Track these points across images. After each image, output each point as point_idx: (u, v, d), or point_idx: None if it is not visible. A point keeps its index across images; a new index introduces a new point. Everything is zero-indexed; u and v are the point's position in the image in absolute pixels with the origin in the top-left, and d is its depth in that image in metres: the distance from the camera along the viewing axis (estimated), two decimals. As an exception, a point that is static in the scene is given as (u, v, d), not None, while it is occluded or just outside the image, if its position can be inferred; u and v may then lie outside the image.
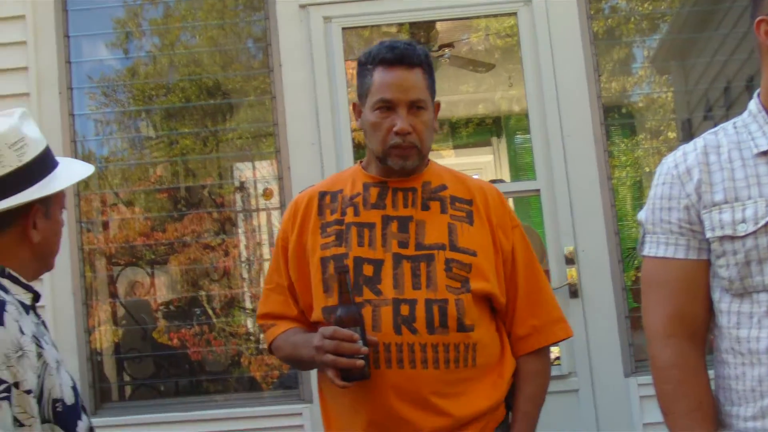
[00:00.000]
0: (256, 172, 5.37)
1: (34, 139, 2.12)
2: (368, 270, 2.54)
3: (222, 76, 5.42)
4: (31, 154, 2.08)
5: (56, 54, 4.71)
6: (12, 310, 1.94)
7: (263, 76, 5.02)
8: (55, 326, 4.48)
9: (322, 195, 2.70)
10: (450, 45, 7.63)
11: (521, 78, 4.81)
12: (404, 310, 2.48)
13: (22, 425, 1.87)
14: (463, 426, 2.51)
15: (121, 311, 5.21)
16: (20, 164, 2.06)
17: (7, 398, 1.84)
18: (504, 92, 8.69)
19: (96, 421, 4.29)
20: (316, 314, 2.61)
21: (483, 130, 9.76)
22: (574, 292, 4.48)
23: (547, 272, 4.71)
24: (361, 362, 2.35)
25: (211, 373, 4.97)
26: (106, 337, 5.05)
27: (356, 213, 2.61)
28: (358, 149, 7.68)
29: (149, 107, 5.48)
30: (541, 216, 4.73)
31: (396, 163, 2.56)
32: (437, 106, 2.69)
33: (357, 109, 2.68)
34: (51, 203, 2.14)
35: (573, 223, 4.51)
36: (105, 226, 5.21)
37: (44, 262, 2.18)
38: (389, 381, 2.46)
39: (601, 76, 4.73)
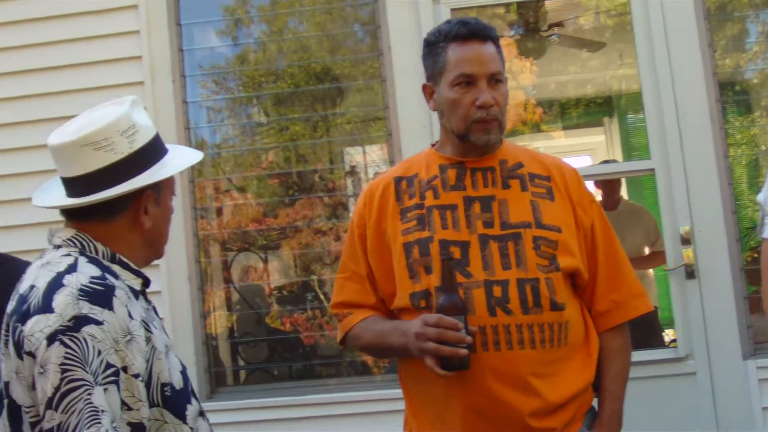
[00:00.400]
0: (367, 156, 5.37)
1: (145, 126, 2.13)
2: (456, 252, 2.49)
3: (331, 60, 5.42)
4: (141, 141, 2.10)
5: (169, 42, 4.78)
6: (121, 295, 1.96)
7: (372, 60, 5.01)
8: (172, 312, 4.58)
9: (398, 180, 2.65)
10: (559, 24, 7.51)
11: (633, 56, 4.71)
12: (497, 291, 2.44)
13: (130, 408, 1.89)
14: (559, 408, 2.47)
15: (235, 296, 5.27)
16: (131, 151, 2.07)
17: (116, 382, 1.86)
18: (615, 71, 8.53)
19: (211, 405, 4.42)
20: (402, 301, 2.56)
21: (594, 110, 9.60)
22: (690, 272, 4.38)
23: (662, 253, 4.62)
24: (464, 351, 2.31)
25: (323, 357, 5.00)
26: (220, 322, 5.12)
27: (436, 196, 2.57)
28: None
29: (259, 93, 5.53)
30: (655, 196, 4.64)
31: (479, 138, 2.51)
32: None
33: (428, 91, 2.64)
34: (162, 189, 2.16)
35: (689, 202, 4.42)
36: (218, 212, 5.28)
37: (155, 248, 2.20)
38: (487, 364, 2.41)
39: (716, 53, 4.59)
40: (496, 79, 2.50)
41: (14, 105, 4.78)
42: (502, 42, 7.56)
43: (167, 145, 2.22)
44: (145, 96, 4.66)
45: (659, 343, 6.44)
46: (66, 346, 1.83)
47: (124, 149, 2.06)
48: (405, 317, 2.56)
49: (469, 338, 2.31)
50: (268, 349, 5.17)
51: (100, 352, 1.85)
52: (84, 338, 1.84)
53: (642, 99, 4.59)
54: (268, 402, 4.53)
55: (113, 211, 2.08)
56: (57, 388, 1.81)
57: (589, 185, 6.61)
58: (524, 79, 8.41)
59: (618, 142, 9.40)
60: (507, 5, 6.32)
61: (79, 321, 1.86)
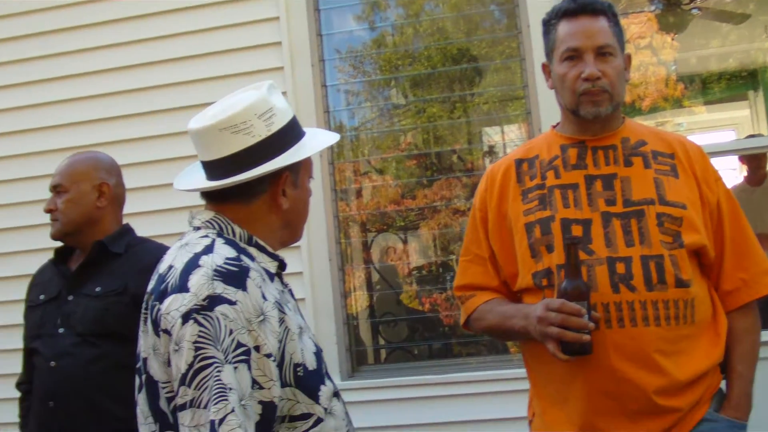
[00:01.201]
0: (505, 136, 5.35)
1: (282, 109, 2.16)
2: (577, 230, 2.48)
3: (467, 41, 5.41)
4: (279, 123, 2.13)
5: (307, 28, 4.85)
6: (255, 276, 1.99)
7: (509, 39, 4.98)
8: (313, 292, 4.65)
9: (519, 162, 2.66)
10: (702, -4, 7.34)
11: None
12: (620, 268, 2.42)
13: (261, 387, 1.92)
14: (685, 387, 2.44)
15: (375, 276, 5.33)
16: (269, 133, 2.11)
17: (246, 361, 1.89)
18: (760, 43, 8.27)
19: (352, 383, 4.50)
20: (524, 281, 2.56)
21: (737, 84, 9.31)
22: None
23: None
24: (587, 337, 2.30)
25: (463, 337, 5.02)
26: (360, 301, 5.19)
27: (557, 175, 2.56)
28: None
29: (396, 76, 5.56)
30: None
31: (588, 111, 2.50)
32: (628, 59, 2.62)
33: (546, 70, 2.65)
34: (299, 171, 2.19)
35: (839, 180, 4.23)
36: (358, 194, 5.34)
37: (292, 230, 2.23)
38: (611, 341, 2.39)
39: None
40: (604, 52, 2.50)
41: (158, 93, 4.93)
42: (642, 17, 7.45)
43: (304, 129, 2.26)
44: (285, 81, 4.74)
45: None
46: (200, 324, 1.88)
47: (261, 132, 2.09)
48: (528, 298, 2.57)
49: (591, 324, 2.30)
50: (407, 329, 5.22)
51: (231, 332, 1.89)
52: (217, 317, 1.88)
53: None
54: (408, 381, 4.57)
55: (252, 193, 2.13)
56: (190, 365, 1.86)
57: (734, 160, 6.46)
58: (665, 54, 8.25)
59: (764, 116, 9.10)
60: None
61: (213, 300, 1.90)
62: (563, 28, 2.55)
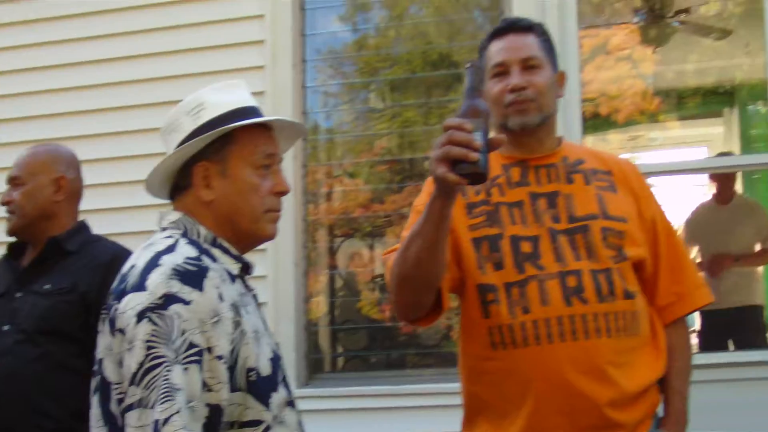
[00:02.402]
0: (479, 144, 5.33)
1: (225, 102, 2.13)
2: (527, 247, 2.50)
3: (449, 47, 5.39)
4: (207, 116, 2.11)
5: (291, 27, 4.81)
6: (214, 277, 1.97)
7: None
8: (275, 296, 4.62)
9: None
10: (686, 11, 7.34)
11: (760, 44, 4.59)
12: (571, 281, 2.45)
13: (210, 390, 1.90)
14: (634, 399, 2.48)
15: (338, 282, 5.32)
16: (195, 127, 2.11)
17: (198, 362, 1.88)
18: (740, 60, 8.29)
19: (307, 391, 4.49)
20: (471, 293, 2.53)
21: (713, 100, 9.34)
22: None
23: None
24: (474, 155, 2.07)
25: (421, 347, 5.03)
26: (322, 307, 5.18)
27: (502, 193, 2.58)
28: (586, 120, 7.54)
29: (375, 79, 5.53)
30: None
31: (515, 121, 2.55)
32: (561, 76, 2.69)
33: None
34: (228, 159, 2.12)
35: (807, 198, 4.29)
36: (328, 197, 5.32)
37: (237, 227, 2.13)
38: (565, 354, 2.41)
39: None
40: (530, 65, 2.55)
41: (140, 87, 4.88)
42: (624, 29, 7.43)
43: (273, 117, 2.22)
44: (265, 80, 4.71)
45: (763, 342, 6.37)
46: (153, 323, 1.87)
47: (188, 127, 2.11)
48: (466, 303, 2.57)
49: (477, 142, 2.08)
50: (366, 337, 5.22)
51: (184, 332, 1.88)
52: (171, 316, 1.87)
53: (767, 89, 4.46)
54: (364, 390, 4.56)
55: (182, 186, 2.14)
56: (141, 364, 1.86)
57: (703, 178, 6.51)
58: (645, 67, 8.26)
59: (737, 134, 9.15)
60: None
61: (168, 299, 1.89)
62: (493, 47, 2.61)
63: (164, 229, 2.12)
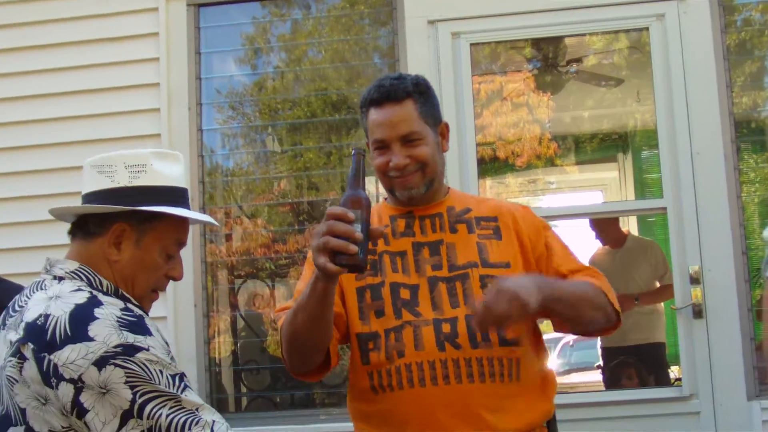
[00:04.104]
0: (379, 187, 5.39)
1: (163, 174, 2.17)
2: (405, 294, 2.53)
3: (348, 90, 5.46)
4: (146, 181, 2.14)
5: (187, 70, 4.83)
6: (149, 321, 2.05)
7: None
8: (176, 337, 4.59)
9: None
10: (578, 60, 7.54)
11: (650, 93, 4.74)
12: (445, 327, 2.47)
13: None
14: None
15: (240, 323, 5.29)
16: (128, 185, 2.12)
17: (189, 386, 2.00)
18: (632, 107, 8.54)
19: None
20: (353, 342, 2.56)
21: (608, 145, 9.58)
22: (698, 312, 4.40)
23: (671, 286, 4.65)
24: (354, 248, 2.15)
25: (325, 387, 5.01)
26: (224, 348, 5.15)
27: (387, 243, 2.61)
28: (482, 164, 7.65)
29: (275, 122, 5.56)
30: (666, 234, 4.67)
31: (402, 194, 2.58)
32: (444, 127, 2.68)
33: (369, 148, 2.68)
34: (146, 232, 2.16)
35: (699, 241, 4.44)
36: (228, 238, 5.30)
37: (126, 289, 2.17)
38: (438, 398, 2.44)
39: (733, 92, 4.62)
40: (410, 140, 2.53)
41: (30, 128, 4.83)
42: (520, 76, 7.57)
43: (194, 212, 2.26)
44: (160, 123, 4.72)
45: (665, 379, 6.47)
46: (122, 367, 1.91)
47: (122, 180, 2.12)
48: (351, 350, 2.58)
49: (358, 234, 2.17)
50: (270, 377, 5.19)
51: (161, 372, 1.95)
52: (142, 363, 1.93)
53: (657, 136, 4.62)
54: (270, 430, 4.55)
55: (89, 232, 2.14)
56: (132, 401, 1.91)
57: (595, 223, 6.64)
58: (541, 113, 8.43)
59: (631, 179, 9.38)
60: (526, 40, 6.34)
61: (128, 348, 1.93)
62: (372, 116, 2.58)
63: (59, 278, 2.11)
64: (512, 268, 2.56)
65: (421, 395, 2.43)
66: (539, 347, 2.65)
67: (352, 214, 2.17)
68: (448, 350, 2.45)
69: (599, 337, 6.96)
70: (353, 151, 2.33)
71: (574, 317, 2.54)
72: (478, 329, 2.38)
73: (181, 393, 1.97)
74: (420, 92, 2.59)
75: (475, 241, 2.60)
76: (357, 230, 2.17)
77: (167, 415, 1.93)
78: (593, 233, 6.69)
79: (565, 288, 2.51)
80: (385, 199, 2.76)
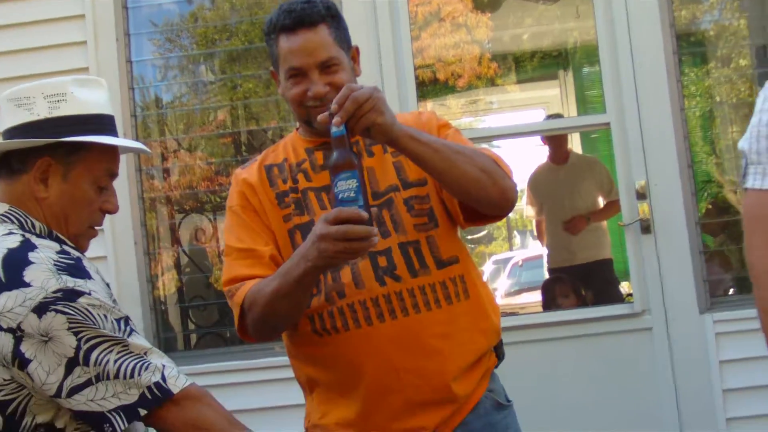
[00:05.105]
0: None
1: (86, 102, 2.07)
2: None
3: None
4: (66, 111, 2.05)
5: (112, 1, 4.65)
6: (87, 263, 2.01)
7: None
8: (117, 277, 4.49)
9: (269, 167, 2.55)
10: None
11: (589, 8, 4.67)
12: (381, 261, 2.40)
13: None
14: (465, 369, 2.45)
15: (184, 259, 5.21)
16: (48, 116, 2.03)
17: (135, 330, 1.99)
18: (571, 24, 8.50)
19: (161, 371, 4.34)
20: None
21: (549, 63, 9.56)
22: (646, 227, 4.39)
23: (617, 202, 4.70)
24: (375, 241, 2.13)
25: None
26: (168, 286, 5.07)
27: (308, 178, 2.50)
28: (422, 86, 7.57)
29: (211, 51, 5.43)
30: (610, 150, 4.65)
31: (321, 125, 2.36)
32: (356, 51, 2.55)
33: (276, 78, 2.54)
34: (74, 166, 2.07)
35: (644, 156, 4.42)
36: (166, 172, 5.19)
37: (63, 230, 2.10)
38: (386, 335, 2.38)
39: (673, 4, 4.57)
40: (329, 65, 2.41)
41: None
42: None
43: (121, 138, 2.20)
44: (87, 56, 4.56)
45: (616, 296, 6.51)
46: (63, 313, 1.87)
47: (41, 112, 2.03)
48: None
49: (375, 230, 2.13)
50: (218, 313, 5.12)
51: (106, 316, 1.91)
52: (84, 308, 1.88)
53: (598, 52, 4.56)
54: (220, 366, 4.49)
55: (12, 170, 2.05)
56: (77, 348, 1.87)
57: (536, 141, 6.62)
58: (480, 33, 8.37)
59: (573, 96, 9.39)
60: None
61: (69, 293, 1.89)
62: (283, 44, 2.41)
63: None
64: (429, 182, 2.47)
65: (369, 334, 2.36)
66: (470, 258, 2.58)
67: (363, 212, 2.10)
68: (389, 284, 2.38)
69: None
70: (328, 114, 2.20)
71: (444, 170, 2.33)
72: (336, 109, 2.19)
73: (128, 337, 1.93)
74: (332, 16, 2.46)
75: (391, 162, 2.50)
76: (362, 211, 2.11)
77: (115, 361, 1.88)
78: (539, 149, 6.66)
79: (434, 138, 2.38)
80: (297, 129, 2.62)
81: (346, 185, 2.13)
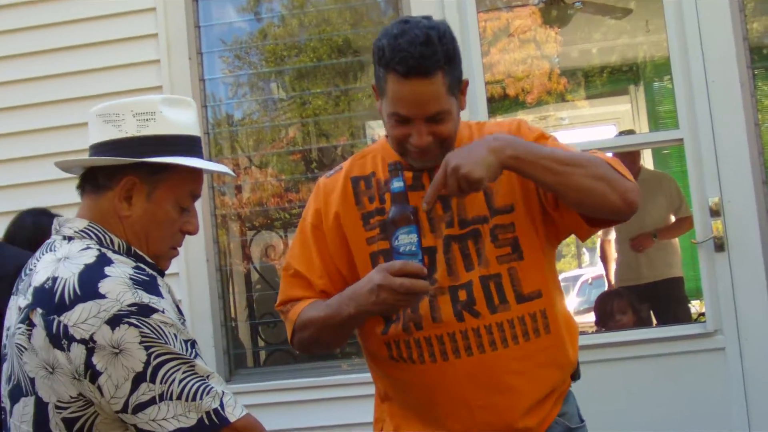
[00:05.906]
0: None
1: (172, 122, 2.06)
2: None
3: (353, 33, 5.34)
4: (155, 130, 2.03)
5: (185, 19, 4.72)
6: (161, 282, 1.99)
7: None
8: (190, 293, 4.54)
9: (356, 180, 2.48)
10: (584, -9, 7.40)
11: (661, 22, 4.62)
12: (462, 295, 2.34)
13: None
14: (537, 404, 2.39)
15: (255, 276, 5.23)
16: (136, 134, 2.01)
17: (199, 355, 1.96)
18: (642, 38, 8.40)
19: (231, 387, 4.34)
20: None
21: (619, 78, 9.45)
22: (720, 245, 4.30)
23: (689, 218, 4.64)
24: (428, 291, 2.20)
25: (345, 337, 4.95)
26: (239, 302, 5.09)
27: None
28: (492, 102, 7.54)
29: (280, 68, 5.46)
30: (683, 166, 4.59)
31: (416, 163, 2.35)
32: (465, 84, 2.39)
33: (376, 91, 2.40)
34: (158, 185, 2.05)
35: (718, 172, 4.33)
36: (238, 189, 5.22)
37: (140, 246, 2.08)
38: (461, 370, 2.33)
39: (746, 16, 4.49)
40: (437, 119, 2.27)
41: (30, 86, 4.76)
42: (525, 11, 7.45)
43: (208, 159, 2.18)
44: (161, 74, 4.63)
45: (685, 315, 6.39)
46: (137, 327, 1.85)
47: (130, 129, 2.01)
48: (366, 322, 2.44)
49: (430, 286, 2.19)
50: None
51: (176, 336, 1.90)
52: (157, 325, 1.87)
53: (670, 66, 4.49)
54: (288, 384, 4.51)
55: (98, 185, 2.04)
56: (147, 363, 1.85)
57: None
58: (549, 48, 8.32)
59: (644, 111, 9.26)
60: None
61: (143, 308, 1.87)
62: (392, 85, 2.25)
63: (69, 238, 2.02)
64: (517, 207, 2.37)
65: (444, 369, 2.32)
66: (558, 290, 2.51)
67: (421, 266, 2.15)
68: (467, 320, 2.32)
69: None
70: (390, 167, 2.23)
71: (559, 185, 2.22)
72: (427, 206, 2.21)
73: (196, 359, 1.91)
74: (449, 60, 2.26)
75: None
76: (424, 267, 2.16)
77: (180, 381, 1.87)
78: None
79: (544, 151, 2.25)
80: (386, 136, 2.48)
81: (408, 239, 2.16)
